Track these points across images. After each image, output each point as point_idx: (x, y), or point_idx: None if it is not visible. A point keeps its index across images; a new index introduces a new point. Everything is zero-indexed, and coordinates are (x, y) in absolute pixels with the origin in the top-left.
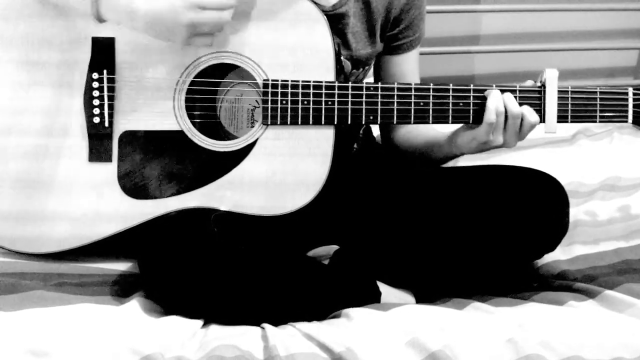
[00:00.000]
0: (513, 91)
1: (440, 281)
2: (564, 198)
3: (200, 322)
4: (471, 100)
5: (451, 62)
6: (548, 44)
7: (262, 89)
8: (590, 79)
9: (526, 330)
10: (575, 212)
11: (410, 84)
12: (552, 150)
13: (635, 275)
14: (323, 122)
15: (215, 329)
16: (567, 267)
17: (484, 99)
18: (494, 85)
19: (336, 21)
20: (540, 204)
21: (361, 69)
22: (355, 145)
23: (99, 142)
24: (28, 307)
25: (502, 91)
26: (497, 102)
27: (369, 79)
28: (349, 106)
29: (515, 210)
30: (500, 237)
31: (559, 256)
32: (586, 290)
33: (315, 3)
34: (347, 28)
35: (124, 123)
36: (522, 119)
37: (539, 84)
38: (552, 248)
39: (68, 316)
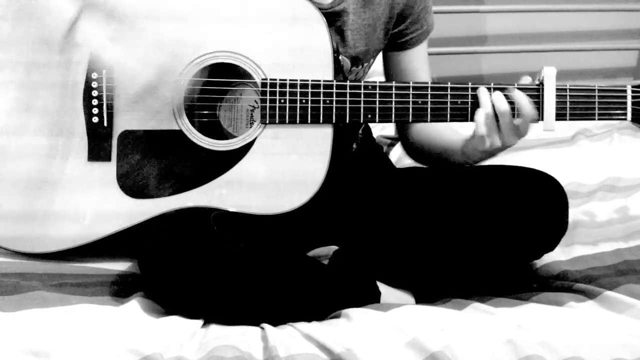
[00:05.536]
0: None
1: (440, 281)
2: (564, 198)
3: (199, 322)
4: (469, 99)
5: (453, 63)
6: (547, 45)
7: (260, 88)
8: (591, 79)
9: (526, 330)
10: (575, 213)
11: (408, 82)
12: (552, 150)
13: (635, 276)
14: (321, 121)
15: (214, 329)
16: (567, 268)
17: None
18: (492, 83)
19: (334, 18)
20: (540, 204)
21: (361, 66)
22: (354, 145)
23: (98, 142)
24: (28, 307)
25: (497, 89)
26: (486, 110)
27: (372, 77)
28: (347, 105)
29: (514, 210)
30: (499, 237)
31: (559, 257)
32: (586, 291)
33: (313, 1)
34: (346, 25)
35: (123, 122)
36: (516, 114)
37: (537, 82)
38: (551, 248)
39: (68, 316)
